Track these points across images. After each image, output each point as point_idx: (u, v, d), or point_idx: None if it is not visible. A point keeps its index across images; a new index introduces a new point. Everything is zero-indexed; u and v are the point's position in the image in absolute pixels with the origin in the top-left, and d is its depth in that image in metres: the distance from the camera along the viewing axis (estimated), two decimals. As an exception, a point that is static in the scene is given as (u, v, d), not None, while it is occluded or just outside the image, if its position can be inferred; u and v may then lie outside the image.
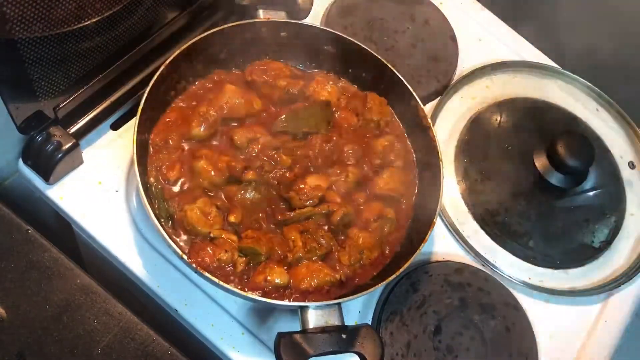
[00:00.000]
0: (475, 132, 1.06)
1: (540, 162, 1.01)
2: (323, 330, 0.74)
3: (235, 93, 0.89)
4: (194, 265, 0.74)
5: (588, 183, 1.04)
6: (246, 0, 0.95)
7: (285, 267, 0.80)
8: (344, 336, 0.73)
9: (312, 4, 1.02)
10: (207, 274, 0.73)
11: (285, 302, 0.76)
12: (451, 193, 1.01)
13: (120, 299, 0.80)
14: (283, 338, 0.72)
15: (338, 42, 0.96)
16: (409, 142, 0.96)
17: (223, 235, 0.79)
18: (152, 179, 0.82)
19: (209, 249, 0.77)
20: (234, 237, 0.79)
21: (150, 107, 0.83)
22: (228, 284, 0.74)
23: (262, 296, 0.76)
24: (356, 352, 0.74)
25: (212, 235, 0.79)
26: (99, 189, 0.87)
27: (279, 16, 0.96)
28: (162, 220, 0.79)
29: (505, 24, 1.24)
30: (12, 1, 0.61)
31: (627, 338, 0.98)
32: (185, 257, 0.74)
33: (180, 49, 0.85)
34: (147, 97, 0.81)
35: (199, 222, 0.79)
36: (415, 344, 0.87)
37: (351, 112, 0.94)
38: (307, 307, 0.75)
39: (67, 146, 0.82)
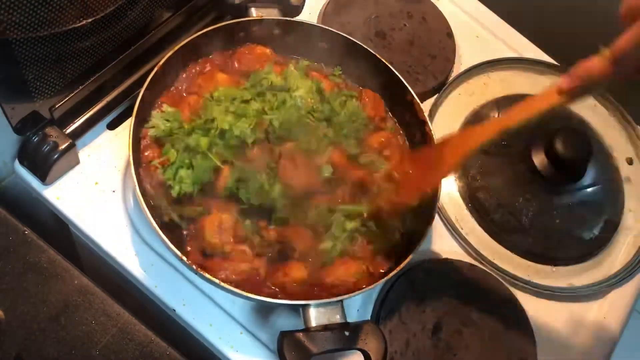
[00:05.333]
0: (473, 129, 1.06)
1: (538, 158, 1.01)
2: (325, 328, 0.73)
3: (226, 81, 0.88)
4: (193, 266, 0.73)
5: (586, 179, 1.04)
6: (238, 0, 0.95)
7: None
8: (346, 333, 0.73)
9: (304, 1, 1.01)
10: (206, 275, 0.73)
11: (287, 301, 0.75)
12: (449, 190, 1.01)
13: (118, 299, 0.80)
14: (286, 337, 0.72)
15: (333, 38, 0.96)
16: (405, 138, 0.96)
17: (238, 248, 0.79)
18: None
19: (226, 265, 0.77)
20: (246, 247, 0.79)
21: (146, 106, 0.82)
22: (228, 285, 0.73)
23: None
24: (360, 349, 0.74)
25: (225, 250, 0.79)
26: (96, 189, 0.86)
27: (272, 14, 0.96)
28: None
29: (503, 21, 1.23)
30: (6, 1, 0.61)
31: (627, 335, 0.98)
32: (184, 258, 0.73)
33: (174, 49, 0.85)
34: (142, 97, 0.81)
35: (213, 235, 0.79)
36: (414, 342, 0.87)
37: None
38: (308, 305, 0.75)
39: (63, 146, 0.82)
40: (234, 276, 0.76)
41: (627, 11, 0.58)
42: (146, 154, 0.82)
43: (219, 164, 0.80)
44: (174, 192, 0.79)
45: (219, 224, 0.78)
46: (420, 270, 0.92)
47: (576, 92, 0.61)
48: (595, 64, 0.59)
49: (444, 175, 0.75)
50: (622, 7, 0.58)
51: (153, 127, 0.82)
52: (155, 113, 0.84)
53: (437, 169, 0.77)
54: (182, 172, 0.79)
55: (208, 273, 0.73)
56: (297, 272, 0.78)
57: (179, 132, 0.82)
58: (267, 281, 0.78)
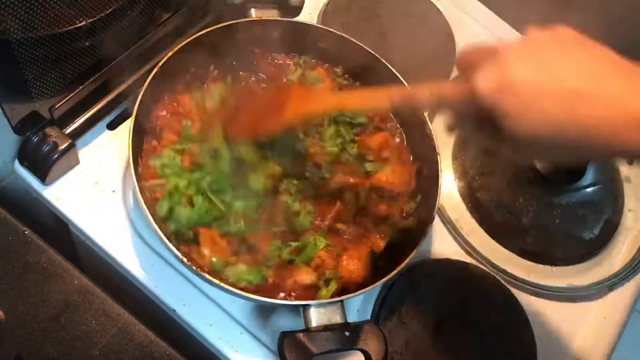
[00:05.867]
0: (473, 129, 1.06)
1: (538, 158, 1.01)
2: (326, 328, 0.73)
3: None
4: (194, 267, 0.73)
5: (586, 179, 1.04)
6: (238, 0, 0.95)
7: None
8: (347, 334, 0.73)
9: (303, 1, 1.01)
10: (206, 275, 0.73)
11: (287, 302, 0.75)
12: (449, 190, 1.01)
13: (118, 299, 0.80)
14: (286, 337, 0.72)
15: (332, 39, 0.96)
16: (405, 139, 0.96)
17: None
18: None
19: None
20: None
21: (146, 107, 0.82)
22: (228, 286, 0.73)
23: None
24: (360, 350, 0.74)
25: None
26: (96, 189, 0.86)
27: (272, 14, 0.96)
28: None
29: (503, 21, 1.23)
30: (7, 2, 0.61)
31: (627, 335, 0.98)
32: (185, 259, 0.73)
33: (173, 50, 0.85)
34: (142, 97, 0.81)
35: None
36: (414, 341, 0.87)
37: None
38: (309, 305, 0.75)
39: (63, 146, 0.82)
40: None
41: (460, 62, 0.62)
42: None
43: (221, 207, 0.79)
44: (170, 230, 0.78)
45: (212, 239, 0.78)
46: (420, 270, 0.92)
47: (401, 107, 0.68)
48: (421, 92, 0.63)
49: (278, 127, 0.77)
50: (457, 56, 0.62)
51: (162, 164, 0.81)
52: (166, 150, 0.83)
53: (274, 116, 0.78)
54: (180, 210, 0.78)
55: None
56: (306, 276, 0.79)
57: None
58: (279, 289, 0.78)
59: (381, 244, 0.85)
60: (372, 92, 0.73)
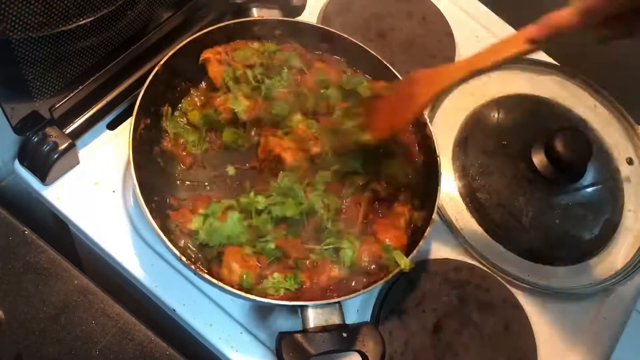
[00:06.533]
0: (474, 128, 1.06)
1: (538, 158, 1.01)
2: (324, 329, 0.74)
3: None
4: (193, 267, 0.73)
5: (586, 179, 1.04)
6: (239, -1, 0.95)
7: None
8: (345, 335, 0.73)
9: (305, 1, 1.01)
10: (206, 275, 0.73)
11: (285, 302, 0.75)
12: (449, 190, 1.01)
13: (118, 299, 0.80)
14: (284, 338, 0.72)
15: (333, 39, 0.96)
16: (406, 139, 0.96)
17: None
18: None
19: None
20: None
21: (147, 106, 0.82)
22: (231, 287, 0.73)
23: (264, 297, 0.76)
24: (357, 351, 0.74)
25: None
26: (96, 189, 0.86)
27: (273, 14, 0.96)
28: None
29: (503, 20, 1.23)
30: (6, 1, 0.61)
31: (627, 335, 0.98)
32: (184, 258, 0.73)
33: (174, 49, 0.85)
34: (143, 97, 0.81)
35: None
36: (414, 342, 0.87)
37: None
38: (306, 306, 0.75)
39: (63, 146, 0.82)
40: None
41: None
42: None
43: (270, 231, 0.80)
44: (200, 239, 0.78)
45: (241, 255, 0.77)
46: (420, 270, 0.92)
47: (543, 41, 0.61)
48: (564, 14, 0.59)
49: (416, 112, 0.76)
50: None
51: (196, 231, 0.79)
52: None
53: (407, 105, 0.77)
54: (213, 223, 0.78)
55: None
56: (337, 270, 0.79)
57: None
58: (315, 290, 0.78)
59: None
60: (503, 42, 0.67)
